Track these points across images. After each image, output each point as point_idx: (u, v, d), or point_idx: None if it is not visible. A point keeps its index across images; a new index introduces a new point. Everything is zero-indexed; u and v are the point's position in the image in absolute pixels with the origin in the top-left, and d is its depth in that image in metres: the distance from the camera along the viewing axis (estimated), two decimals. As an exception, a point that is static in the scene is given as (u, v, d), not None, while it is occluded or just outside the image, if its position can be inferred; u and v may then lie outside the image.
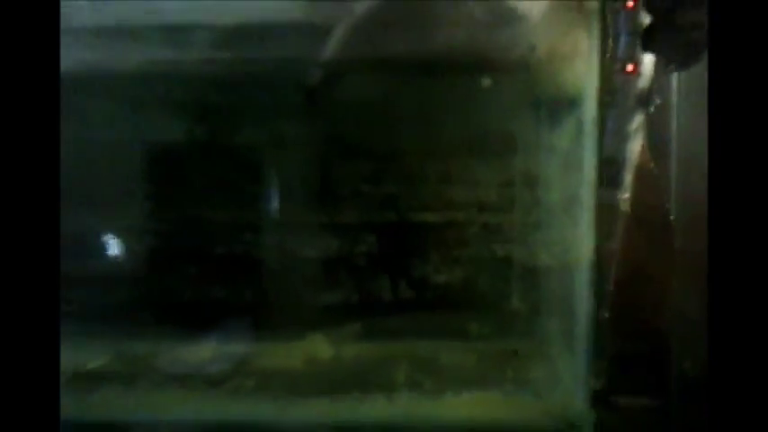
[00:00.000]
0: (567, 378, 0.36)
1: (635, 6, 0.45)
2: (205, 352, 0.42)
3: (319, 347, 0.40)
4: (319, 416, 0.35)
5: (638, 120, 0.48)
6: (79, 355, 0.45)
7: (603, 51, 0.40)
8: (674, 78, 0.51)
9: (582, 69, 0.37)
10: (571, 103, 0.39)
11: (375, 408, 0.36)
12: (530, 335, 0.39)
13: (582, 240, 0.37)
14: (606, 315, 0.40)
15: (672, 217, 0.53)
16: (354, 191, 0.42)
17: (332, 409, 0.36)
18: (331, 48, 0.37)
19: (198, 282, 0.45)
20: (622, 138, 0.48)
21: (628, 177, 0.48)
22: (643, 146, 0.49)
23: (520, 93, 0.41)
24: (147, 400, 0.40)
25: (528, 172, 0.41)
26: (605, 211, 0.47)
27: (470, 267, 0.41)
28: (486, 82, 0.40)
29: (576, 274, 0.36)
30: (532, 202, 0.40)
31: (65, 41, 0.41)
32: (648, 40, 0.43)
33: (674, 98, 0.52)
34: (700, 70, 0.49)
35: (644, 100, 0.48)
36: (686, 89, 0.52)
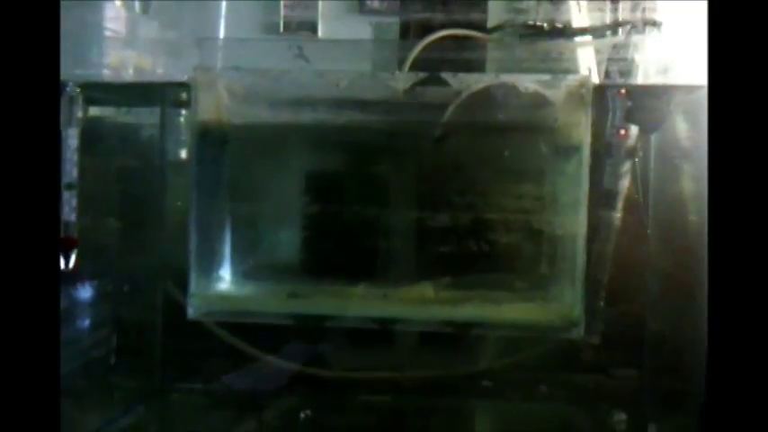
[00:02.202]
0: (571, 299, 0.64)
1: (625, 95, 0.71)
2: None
3: (426, 290, 0.67)
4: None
5: (627, 165, 0.70)
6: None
7: (599, 121, 0.68)
8: (651, 139, 0.77)
9: (583, 130, 0.64)
10: (576, 147, 0.64)
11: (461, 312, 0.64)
12: (550, 277, 0.66)
13: (582, 223, 0.65)
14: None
15: (648, 230, 0.80)
16: (449, 201, 0.69)
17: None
18: (448, 114, 0.66)
19: (346, 249, 0.71)
20: (617, 177, 0.69)
21: (620, 203, 0.70)
22: (630, 182, 0.71)
23: (548, 144, 0.68)
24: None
25: (551, 186, 0.68)
26: (604, 223, 0.73)
27: (517, 245, 0.68)
28: (531, 139, 0.68)
29: (577, 247, 0.64)
30: (553, 202, 0.67)
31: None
32: (629, 116, 0.70)
33: (651, 152, 0.76)
34: (665, 134, 0.76)
35: (631, 153, 0.70)
36: (658, 145, 0.76)
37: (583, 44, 0.79)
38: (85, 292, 0.76)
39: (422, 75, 0.68)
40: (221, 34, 1.09)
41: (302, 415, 0.75)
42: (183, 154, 0.85)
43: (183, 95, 0.71)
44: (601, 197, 0.70)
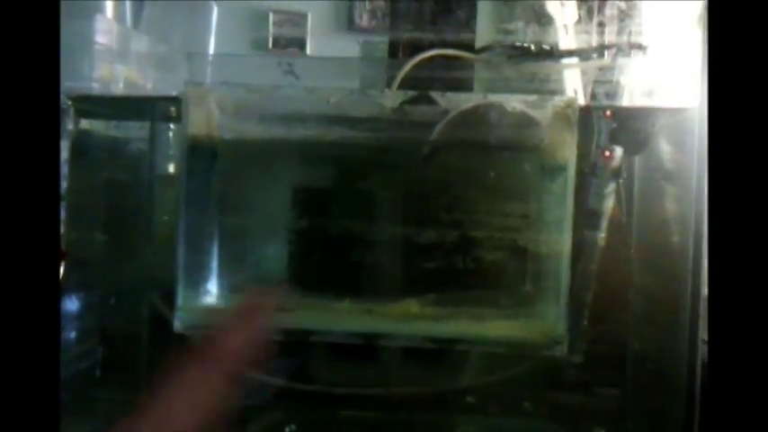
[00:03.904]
0: (555, 316, 0.65)
1: (611, 117, 0.73)
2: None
3: (411, 306, 0.68)
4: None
5: (612, 186, 0.71)
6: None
7: (584, 142, 0.69)
8: (635, 160, 0.79)
9: (568, 150, 0.66)
10: (561, 167, 0.66)
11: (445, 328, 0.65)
12: (534, 294, 0.67)
13: (566, 242, 0.66)
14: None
15: (631, 250, 0.81)
16: (435, 218, 0.70)
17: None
18: (436, 132, 0.67)
19: (333, 264, 0.72)
20: (601, 198, 0.70)
21: (604, 223, 0.71)
22: (615, 203, 0.72)
23: (534, 163, 0.69)
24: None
25: (537, 204, 0.69)
26: (588, 243, 0.74)
27: (503, 262, 0.69)
28: (519, 157, 0.69)
29: (562, 266, 0.65)
30: (539, 221, 0.68)
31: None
32: (614, 137, 0.71)
33: (635, 173, 0.77)
34: (649, 156, 0.77)
35: (616, 173, 0.71)
36: (642, 167, 0.78)
37: (569, 66, 0.80)
38: (71, 304, 0.76)
39: (411, 93, 0.69)
40: (211, 50, 1.09)
41: (287, 430, 0.75)
42: (172, 168, 0.86)
43: (174, 110, 0.72)
44: (585, 217, 0.71)
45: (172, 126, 0.83)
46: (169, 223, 0.75)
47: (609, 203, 0.72)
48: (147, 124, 0.82)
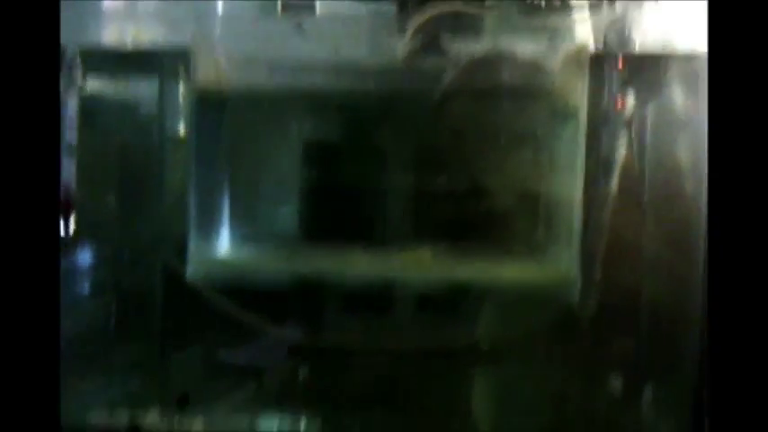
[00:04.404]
0: (567, 261, 0.64)
1: (623, 64, 0.72)
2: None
3: (424, 255, 0.68)
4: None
5: (624, 135, 0.71)
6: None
7: (596, 91, 0.68)
8: (648, 109, 0.78)
9: (580, 95, 0.66)
10: (573, 113, 0.67)
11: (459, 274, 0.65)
12: (547, 240, 0.67)
13: (578, 188, 0.65)
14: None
15: (644, 200, 0.80)
16: (447, 165, 0.70)
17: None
18: (447, 80, 0.67)
19: (345, 214, 0.72)
20: (613, 147, 0.70)
21: (616, 172, 0.71)
22: (627, 152, 0.72)
23: (546, 107, 0.69)
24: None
25: (549, 151, 0.69)
26: (600, 191, 0.74)
27: (515, 208, 0.69)
28: (530, 103, 0.69)
29: (574, 211, 0.65)
30: (551, 167, 0.68)
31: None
32: (626, 85, 0.70)
33: (648, 121, 0.77)
34: (661, 104, 0.76)
35: (628, 123, 0.71)
36: (654, 115, 0.78)
37: (580, 14, 0.79)
38: (84, 258, 0.76)
39: (421, 42, 0.68)
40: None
41: (300, 374, 0.76)
42: (182, 128, 0.86)
43: (182, 63, 0.71)
44: (597, 166, 0.70)
45: (181, 85, 0.82)
46: (181, 181, 0.75)
47: (621, 152, 0.72)
48: (155, 85, 0.82)
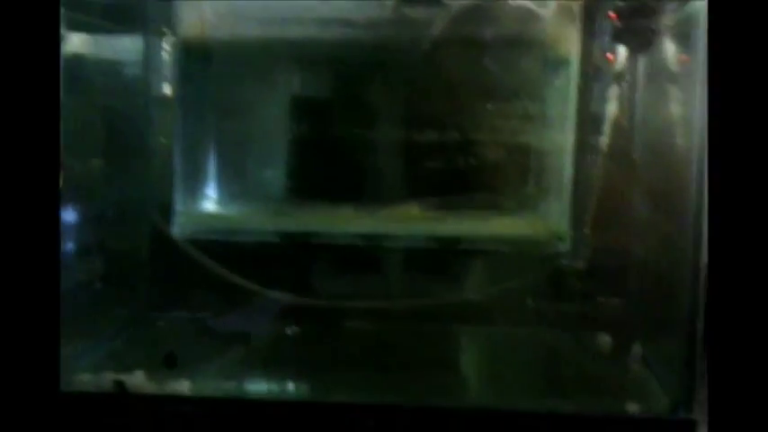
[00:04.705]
0: (558, 214, 0.64)
1: (615, 18, 0.71)
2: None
3: (413, 209, 0.67)
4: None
5: (614, 90, 0.70)
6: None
7: (586, 38, 0.67)
8: (640, 63, 0.77)
9: (572, 43, 0.65)
10: (565, 61, 0.66)
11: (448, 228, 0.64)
12: (537, 193, 0.67)
13: (568, 140, 0.65)
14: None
15: (634, 155, 0.80)
16: (436, 118, 0.69)
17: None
18: (437, 29, 0.66)
19: (333, 168, 0.71)
20: (604, 101, 0.70)
21: (607, 127, 0.70)
22: (617, 106, 0.71)
23: (537, 56, 0.68)
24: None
25: (540, 101, 0.68)
26: (591, 146, 0.73)
27: (506, 160, 0.68)
28: (522, 52, 0.68)
29: (564, 164, 0.64)
30: (541, 117, 0.67)
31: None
32: (618, 37, 0.69)
33: (639, 75, 0.75)
34: (653, 57, 0.76)
35: (619, 77, 0.70)
36: (646, 69, 0.77)
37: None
38: (70, 217, 0.75)
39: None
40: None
41: (289, 331, 0.75)
42: (167, 84, 0.84)
43: (165, 15, 0.69)
44: (588, 120, 0.70)
45: (166, 43, 0.81)
46: (167, 143, 0.73)
47: (612, 107, 0.71)
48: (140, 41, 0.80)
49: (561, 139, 0.65)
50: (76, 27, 0.75)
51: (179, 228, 0.66)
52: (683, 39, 0.68)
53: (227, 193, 0.69)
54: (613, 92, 0.71)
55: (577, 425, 0.61)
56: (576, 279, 0.80)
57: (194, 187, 0.68)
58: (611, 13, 0.70)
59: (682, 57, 0.71)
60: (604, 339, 0.79)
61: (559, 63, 0.64)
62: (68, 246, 0.75)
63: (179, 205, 0.66)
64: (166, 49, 0.81)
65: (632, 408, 0.63)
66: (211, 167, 0.68)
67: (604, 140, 0.71)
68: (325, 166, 0.69)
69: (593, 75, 0.69)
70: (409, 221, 0.66)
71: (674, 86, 0.74)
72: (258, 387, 0.68)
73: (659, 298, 0.73)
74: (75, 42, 0.77)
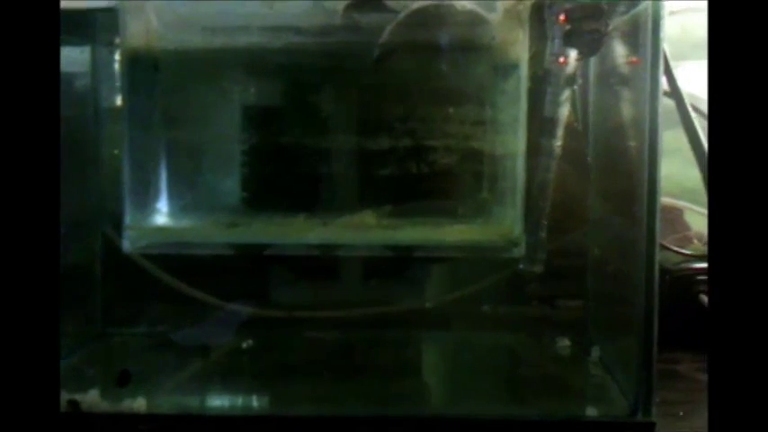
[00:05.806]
0: (512, 219, 0.64)
1: (564, 21, 0.71)
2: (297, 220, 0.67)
3: (368, 218, 0.67)
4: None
5: (567, 93, 0.69)
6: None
7: (534, 41, 0.68)
8: (590, 66, 0.78)
9: (521, 48, 0.65)
10: (514, 66, 0.65)
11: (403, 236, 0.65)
12: (491, 198, 0.66)
13: (521, 144, 0.65)
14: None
15: (588, 158, 0.80)
16: (388, 125, 0.68)
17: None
18: (386, 34, 0.65)
19: (285, 177, 0.70)
20: (557, 105, 0.68)
21: (560, 131, 0.69)
22: (570, 110, 0.70)
23: (486, 61, 0.68)
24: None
25: (491, 106, 0.67)
26: (544, 151, 0.73)
27: (458, 167, 0.68)
28: (471, 57, 0.67)
29: (517, 168, 0.64)
30: (493, 122, 0.67)
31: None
32: (567, 40, 0.69)
33: (590, 78, 0.78)
34: (604, 61, 0.76)
35: (571, 80, 0.69)
36: (597, 72, 0.78)
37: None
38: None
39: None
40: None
41: (244, 345, 0.74)
42: (114, 94, 0.83)
43: (112, 23, 0.68)
44: (541, 125, 0.70)
45: (117, 54, 0.80)
46: (119, 155, 0.72)
47: (564, 111, 0.70)
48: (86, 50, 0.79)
49: (514, 143, 0.65)
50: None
51: (130, 242, 0.65)
52: (632, 40, 0.68)
53: (178, 206, 0.68)
54: (565, 95, 0.70)
55: (537, 431, 0.61)
56: (533, 283, 0.80)
57: (144, 200, 0.66)
58: (561, 16, 0.69)
59: (632, 58, 0.72)
60: (564, 343, 0.79)
61: (509, 67, 0.64)
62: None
63: (129, 219, 0.65)
64: (118, 59, 0.80)
65: (592, 412, 0.63)
66: (162, 180, 0.67)
67: (557, 144, 0.70)
68: (277, 175, 0.69)
69: (544, 78, 0.69)
70: (364, 230, 0.66)
71: (625, 88, 0.74)
72: (217, 402, 0.67)
73: (616, 300, 0.74)
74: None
